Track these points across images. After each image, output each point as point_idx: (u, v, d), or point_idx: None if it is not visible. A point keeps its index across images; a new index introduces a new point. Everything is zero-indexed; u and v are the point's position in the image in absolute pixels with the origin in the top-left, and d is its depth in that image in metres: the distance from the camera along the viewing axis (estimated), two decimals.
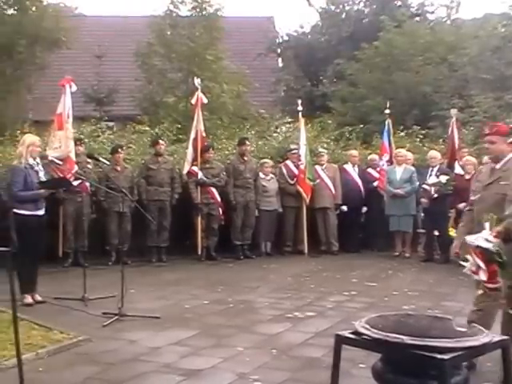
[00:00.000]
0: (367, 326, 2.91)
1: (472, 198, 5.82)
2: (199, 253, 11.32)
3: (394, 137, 13.28)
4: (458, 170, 11.34)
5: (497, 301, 5.15)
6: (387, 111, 13.11)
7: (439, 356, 2.77)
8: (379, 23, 20.23)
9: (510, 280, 4.82)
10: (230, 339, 6.41)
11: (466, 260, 4.93)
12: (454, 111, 12.52)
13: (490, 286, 4.84)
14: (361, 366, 5.31)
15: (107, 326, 6.85)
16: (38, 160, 8.07)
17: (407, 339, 2.75)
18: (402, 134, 14.36)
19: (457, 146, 11.87)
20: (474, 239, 4.79)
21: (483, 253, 4.72)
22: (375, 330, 2.84)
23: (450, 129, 12.13)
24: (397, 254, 11.83)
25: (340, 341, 3.04)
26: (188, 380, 5.25)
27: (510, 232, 4.85)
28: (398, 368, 2.92)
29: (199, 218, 11.34)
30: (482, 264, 4.73)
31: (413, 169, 11.88)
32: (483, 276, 4.75)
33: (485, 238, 4.75)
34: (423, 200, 11.35)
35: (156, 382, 5.28)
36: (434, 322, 3.36)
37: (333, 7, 24.45)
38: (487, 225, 4.87)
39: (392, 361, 2.95)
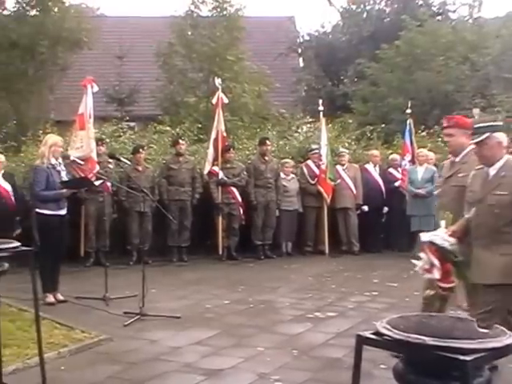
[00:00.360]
0: (388, 327, 2.87)
1: (435, 192, 5.85)
2: (220, 253, 11.33)
3: (415, 136, 13.19)
4: None
5: (446, 301, 5.12)
6: (408, 111, 13.01)
7: (461, 357, 2.74)
8: (400, 22, 20.11)
9: (464, 280, 4.74)
10: (251, 339, 6.41)
11: (419, 258, 4.83)
12: (476, 111, 12.44)
13: (444, 285, 4.77)
14: (382, 366, 5.28)
15: (128, 325, 6.88)
16: (60, 160, 8.12)
17: (429, 340, 2.71)
18: (424, 133, 14.27)
19: None
20: (429, 236, 4.72)
21: (438, 250, 4.65)
22: (397, 331, 2.81)
23: None
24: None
25: (361, 341, 3.00)
26: (209, 380, 5.26)
27: (466, 231, 4.80)
28: (420, 369, 2.89)
29: (220, 218, 11.35)
30: (436, 262, 4.65)
31: (434, 169, 11.78)
32: (437, 274, 4.67)
33: (441, 236, 4.69)
34: None
35: (177, 381, 5.29)
36: (456, 322, 3.32)
37: (354, 7, 24.36)
38: (443, 223, 4.84)
39: (414, 362, 2.92)
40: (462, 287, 4.82)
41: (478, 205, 4.77)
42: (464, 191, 5.07)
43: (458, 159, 5.49)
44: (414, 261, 4.86)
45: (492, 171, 4.77)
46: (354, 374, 3.05)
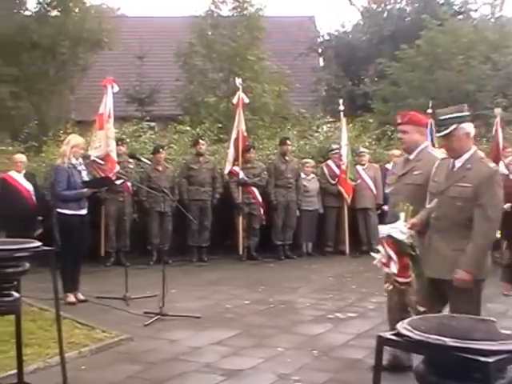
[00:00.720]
0: (409, 328, 2.85)
1: (387, 190, 5.67)
2: (240, 253, 11.33)
3: (436, 137, 13.09)
4: (502, 169, 11.13)
5: (405, 296, 4.95)
6: (429, 111, 12.92)
7: (483, 359, 2.71)
8: (421, 22, 20.00)
9: (420, 275, 4.60)
10: (271, 339, 6.40)
11: (377, 251, 4.78)
12: (497, 110, 12.31)
13: (401, 279, 4.65)
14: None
15: (148, 325, 6.89)
16: (81, 160, 8.16)
17: (450, 341, 2.68)
18: None
19: (501, 145, 11.66)
20: (387, 229, 4.63)
21: (395, 244, 4.56)
22: (417, 332, 2.78)
23: (494, 128, 11.93)
24: None
25: (382, 342, 2.98)
26: (229, 380, 5.25)
27: (426, 224, 4.68)
28: (441, 370, 2.86)
29: (240, 218, 11.35)
30: (393, 255, 4.57)
31: None
32: (394, 268, 4.58)
33: (399, 229, 4.58)
34: None
35: (196, 381, 5.28)
36: (478, 324, 3.28)
37: (374, 6, 24.27)
38: (402, 215, 4.72)
39: (435, 363, 2.89)
40: (416, 282, 4.66)
41: (440, 196, 4.65)
42: (418, 190, 5.00)
43: (412, 157, 5.34)
44: (373, 254, 4.84)
45: (458, 163, 4.64)
46: (374, 375, 3.03)
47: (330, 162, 12.26)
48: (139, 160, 9.22)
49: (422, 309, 4.57)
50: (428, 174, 4.96)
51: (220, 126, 14.70)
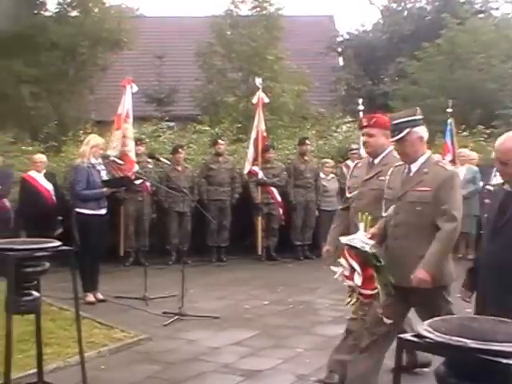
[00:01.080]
0: (430, 329, 2.81)
1: (348, 195, 5.42)
2: (259, 253, 11.30)
3: (456, 136, 12.99)
4: None
5: (369, 309, 4.72)
6: (449, 110, 12.83)
7: (504, 361, 2.67)
8: (441, 21, 19.88)
9: (387, 286, 4.39)
10: (290, 340, 6.38)
11: (339, 264, 4.54)
12: None
13: (366, 292, 4.44)
14: (423, 369, 5.21)
15: (167, 325, 6.90)
16: (100, 160, 8.18)
17: (471, 343, 2.64)
18: (465, 133, 14.05)
19: None
20: (349, 240, 4.45)
21: (358, 255, 4.37)
22: (438, 333, 2.74)
23: None
24: (460, 255, 11.55)
25: (402, 344, 2.95)
26: (247, 381, 5.24)
27: (385, 233, 4.56)
28: (462, 372, 2.82)
29: (259, 218, 11.32)
30: (357, 267, 4.37)
31: (476, 169, 11.60)
32: (358, 280, 4.39)
33: (360, 240, 4.41)
34: (487, 201, 11.05)
35: (215, 382, 5.28)
36: (499, 325, 3.23)
37: (394, 5, 24.16)
38: (361, 225, 4.57)
39: (455, 365, 2.85)
40: (382, 294, 4.43)
41: (398, 202, 4.52)
42: (383, 195, 4.84)
43: (377, 161, 5.18)
44: (333, 268, 4.59)
45: (414, 167, 4.53)
46: (394, 376, 3.00)
47: (349, 162, 12.17)
48: (158, 160, 9.22)
49: (388, 321, 4.50)
50: None
51: (239, 125, 14.69)
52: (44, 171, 10.15)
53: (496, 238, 3.94)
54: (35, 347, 4.80)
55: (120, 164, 9.84)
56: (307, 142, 11.89)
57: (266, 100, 11.97)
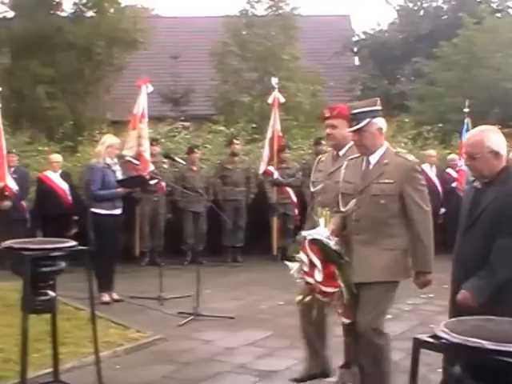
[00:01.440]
0: (446, 330, 2.77)
1: (312, 189, 5.20)
2: (274, 253, 11.26)
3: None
4: None
5: (324, 308, 4.52)
6: (466, 110, 12.73)
7: None
8: (458, 20, 19.73)
9: (349, 284, 4.26)
10: None
11: (296, 260, 4.32)
12: None
13: (327, 289, 4.20)
14: (439, 370, 5.13)
15: (183, 325, 6.89)
16: (116, 160, 8.18)
17: (487, 344, 2.60)
18: None
19: None
20: (312, 234, 4.27)
21: (321, 250, 4.19)
22: (454, 334, 2.71)
23: None
24: None
25: (418, 344, 2.91)
26: (263, 381, 5.23)
27: (343, 228, 4.45)
28: (479, 374, 2.78)
29: (275, 218, 11.28)
30: (317, 263, 4.16)
31: None
32: (318, 277, 4.15)
33: (323, 235, 4.27)
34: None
35: (231, 382, 5.27)
36: None
37: (411, 4, 24.04)
38: (322, 221, 4.45)
39: (472, 367, 2.81)
40: (345, 293, 4.27)
41: (360, 196, 4.40)
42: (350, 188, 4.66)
43: (341, 153, 4.98)
44: (288, 263, 4.41)
45: (373, 159, 4.43)
46: (410, 377, 2.97)
47: None
48: (173, 160, 9.22)
49: (346, 321, 4.47)
50: None
51: (254, 125, 14.65)
52: (60, 171, 10.20)
53: (467, 236, 3.96)
54: (51, 346, 4.82)
55: (135, 164, 9.86)
56: (323, 142, 11.83)
57: (282, 100, 11.93)
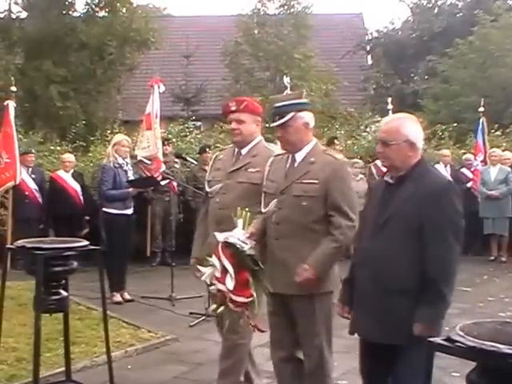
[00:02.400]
0: (461, 333, 2.72)
1: (208, 189, 4.75)
2: None
3: (489, 136, 12.79)
4: None
5: (240, 319, 4.00)
6: (481, 109, 12.64)
7: None
8: (473, 17, 19.60)
9: (262, 293, 3.86)
10: None
11: (209, 263, 3.87)
12: None
13: (238, 299, 3.74)
14: (454, 374, 5.10)
15: (194, 326, 6.86)
16: (128, 160, 8.17)
17: (504, 348, 2.55)
18: (498, 132, 13.82)
19: None
20: (226, 237, 3.84)
21: (234, 255, 3.77)
22: (470, 338, 2.66)
23: None
24: (492, 258, 11.38)
25: (433, 347, 2.87)
26: (274, 383, 5.16)
27: (264, 232, 4.01)
28: (495, 378, 2.73)
29: None
30: (230, 269, 3.72)
31: (508, 169, 11.40)
32: (230, 284, 3.70)
33: (238, 238, 3.82)
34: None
35: None
36: None
37: (425, 2, 23.92)
38: (240, 222, 3.94)
39: (488, 370, 2.77)
40: (258, 303, 3.83)
41: (281, 196, 3.96)
42: (254, 189, 4.28)
43: (245, 151, 4.58)
44: (200, 268, 3.98)
45: (298, 157, 4.02)
46: (425, 381, 2.93)
47: (378, 162, 12.01)
48: (185, 160, 9.19)
49: (261, 332, 4.03)
50: None
51: (267, 125, 14.59)
52: (72, 171, 10.21)
53: (378, 235, 3.49)
54: (63, 346, 4.83)
55: (148, 164, 9.84)
56: (336, 141, 11.78)
57: None
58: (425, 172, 3.55)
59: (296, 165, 4.03)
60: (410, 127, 3.53)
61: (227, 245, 3.80)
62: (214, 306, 4.08)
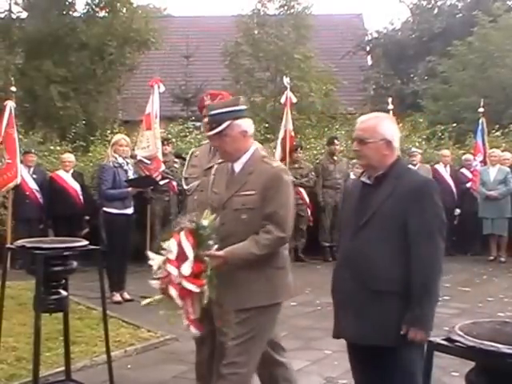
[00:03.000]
0: (461, 333, 2.74)
1: (185, 186, 4.71)
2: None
3: (488, 136, 12.80)
4: None
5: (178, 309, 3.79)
6: (481, 109, 12.65)
7: None
8: (473, 18, 19.59)
9: (211, 288, 3.59)
10: (318, 342, 6.31)
11: (164, 249, 3.64)
12: None
13: (190, 286, 3.53)
14: (453, 374, 5.11)
15: None
16: (128, 159, 8.18)
17: (503, 348, 2.57)
18: (498, 133, 13.83)
19: None
20: (192, 220, 3.64)
21: (196, 237, 3.56)
22: (469, 337, 2.67)
23: None
24: (492, 258, 11.39)
25: (432, 347, 2.88)
26: None
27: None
28: (494, 378, 2.75)
29: None
30: (191, 255, 3.51)
31: (508, 169, 11.41)
32: (186, 269, 3.50)
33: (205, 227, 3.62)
34: None
35: None
36: None
37: (424, 2, 23.92)
38: (206, 223, 3.70)
39: (487, 370, 2.78)
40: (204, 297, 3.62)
41: (223, 210, 3.76)
42: None
43: None
44: (150, 254, 3.77)
45: (237, 167, 3.82)
46: (424, 380, 2.94)
47: None
48: (185, 160, 9.18)
49: (196, 333, 3.82)
50: None
51: (267, 125, 14.62)
52: (72, 171, 10.23)
53: (358, 237, 3.44)
54: (63, 345, 4.84)
55: (147, 164, 9.84)
56: (336, 141, 11.78)
57: (294, 100, 11.89)
58: (403, 171, 3.55)
59: (235, 175, 3.84)
60: (387, 126, 3.54)
61: (194, 229, 3.59)
62: (146, 301, 3.94)
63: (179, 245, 3.56)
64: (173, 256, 3.56)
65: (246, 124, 3.87)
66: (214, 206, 3.86)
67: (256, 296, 3.74)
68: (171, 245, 3.58)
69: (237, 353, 3.74)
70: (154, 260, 3.69)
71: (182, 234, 3.58)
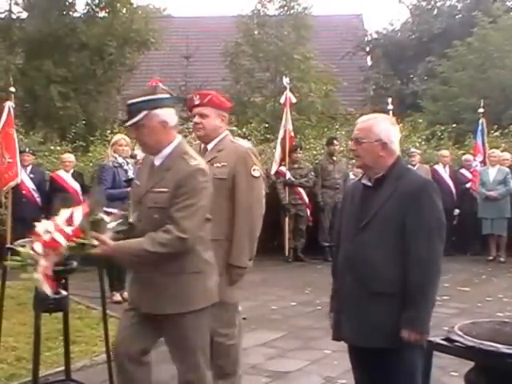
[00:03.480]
0: (460, 333, 2.76)
1: None
2: (286, 254, 11.25)
3: (488, 137, 12.82)
4: None
5: None
6: (481, 110, 12.66)
7: None
8: (473, 19, 19.60)
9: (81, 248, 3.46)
10: (318, 342, 6.31)
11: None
12: None
13: (61, 239, 3.38)
14: (452, 374, 5.12)
15: None
16: (128, 159, 8.18)
17: (502, 348, 2.59)
18: (497, 133, 13.85)
19: None
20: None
21: (91, 213, 3.47)
22: (469, 337, 2.69)
23: None
24: (491, 258, 11.40)
25: (431, 347, 2.91)
26: (274, 382, 5.21)
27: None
28: (493, 378, 2.76)
29: (287, 219, 11.26)
30: (78, 219, 3.46)
31: (507, 170, 11.43)
32: (68, 229, 3.41)
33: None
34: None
35: (242, 382, 5.22)
36: None
37: (424, 3, 23.93)
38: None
39: (486, 370, 2.79)
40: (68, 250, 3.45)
41: (139, 206, 3.58)
42: (219, 183, 4.08)
43: (211, 146, 4.43)
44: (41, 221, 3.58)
45: (157, 161, 3.59)
46: (423, 380, 2.96)
47: None
48: None
49: (48, 291, 3.44)
50: (234, 166, 4.32)
51: (266, 125, 14.64)
52: (72, 171, 10.23)
53: (359, 239, 3.43)
54: (63, 345, 4.84)
55: None
56: (335, 142, 11.80)
57: (294, 100, 11.90)
58: (403, 172, 3.54)
59: (155, 169, 3.61)
60: (384, 127, 3.51)
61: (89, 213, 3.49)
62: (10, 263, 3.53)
63: (71, 213, 3.50)
64: (61, 220, 3.46)
65: (167, 114, 3.56)
66: (134, 199, 3.72)
67: (172, 302, 3.53)
68: (64, 212, 3.52)
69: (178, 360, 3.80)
70: (42, 225, 3.51)
71: (80, 206, 3.51)
